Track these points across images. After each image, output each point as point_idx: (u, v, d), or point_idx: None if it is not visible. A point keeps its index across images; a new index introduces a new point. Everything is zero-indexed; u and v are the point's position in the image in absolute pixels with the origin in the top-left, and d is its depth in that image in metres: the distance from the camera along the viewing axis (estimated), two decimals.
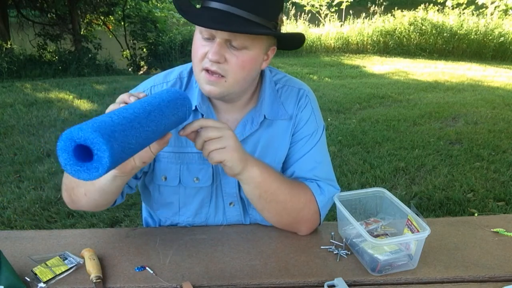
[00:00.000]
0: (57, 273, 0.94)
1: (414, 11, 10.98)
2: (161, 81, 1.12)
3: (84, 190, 0.99)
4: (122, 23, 10.09)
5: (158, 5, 10.50)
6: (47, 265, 0.96)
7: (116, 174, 0.89)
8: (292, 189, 1.06)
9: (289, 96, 1.14)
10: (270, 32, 0.96)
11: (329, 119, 4.88)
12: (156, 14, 10.06)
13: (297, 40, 1.04)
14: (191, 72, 1.12)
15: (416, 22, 10.51)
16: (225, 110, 1.10)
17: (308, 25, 11.53)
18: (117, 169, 0.86)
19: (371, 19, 11.21)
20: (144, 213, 1.33)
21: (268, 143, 1.12)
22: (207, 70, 0.96)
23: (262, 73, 1.12)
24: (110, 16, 10.88)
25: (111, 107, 0.83)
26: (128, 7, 10.12)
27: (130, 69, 9.42)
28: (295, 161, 1.13)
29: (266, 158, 1.10)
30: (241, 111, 1.11)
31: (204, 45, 0.95)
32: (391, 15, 11.05)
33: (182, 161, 1.10)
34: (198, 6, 1.00)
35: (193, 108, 1.06)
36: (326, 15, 11.85)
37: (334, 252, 1.05)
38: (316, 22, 11.85)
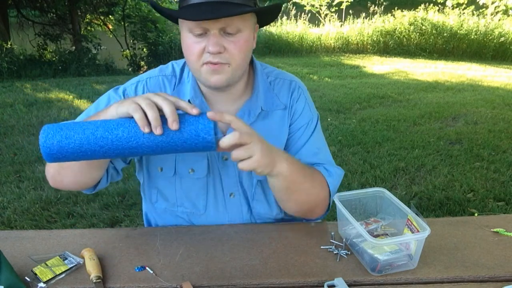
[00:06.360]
0: (57, 273, 0.94)
1: (414, 11, 10.97)
2: (156, 74, 1.15)
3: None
4: (122, 23, 10.09)
5: (158, 4, 10.48)
6: (47, 265, 0.96)
7: None
8: (312, 175, 1.09)
9: (282, 88, 1.18)
10: (256, 8, 1.00)
11: (329, 119, 4.88)
12: (156, 14, 10.05)
13: (275, 13, 1.08)
14: (182, 69, 1.16)
15: (416, 22, 10.49)
16: (219, 102, 1.12)
17: (308, 25, 11.52)
18: None
19: (371, 19, 11.20)
20: (145, 208, 1.33)
21: (266, 134, 1.11)
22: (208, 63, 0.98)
23: (253, 65, 1.16)
24: (110, 16, 10.88)
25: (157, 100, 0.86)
26: (128, 7, 10.11)
27: (130, 69, 9.41)
28: (296, 152, 1.16)
29: None
30: (235, 102, 1.13)
31: (197, 41, 0.97)
32: (391, 15, 11.03)
33: None
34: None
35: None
36: (326, 15, 11.83)
37: (334, 252, 1.05)
38: (316, 22, 11.84)
